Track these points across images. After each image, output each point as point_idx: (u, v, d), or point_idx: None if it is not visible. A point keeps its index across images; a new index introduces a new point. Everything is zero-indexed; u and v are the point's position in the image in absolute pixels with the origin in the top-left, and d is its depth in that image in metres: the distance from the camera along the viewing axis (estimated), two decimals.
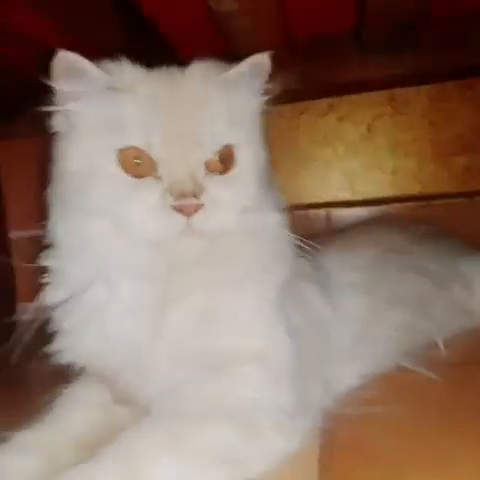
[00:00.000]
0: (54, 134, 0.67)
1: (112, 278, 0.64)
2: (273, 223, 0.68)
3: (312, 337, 0.72)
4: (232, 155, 0.64)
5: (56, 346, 0.67)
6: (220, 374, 0.59)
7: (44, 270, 0.69)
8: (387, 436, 0.61)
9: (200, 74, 0.65)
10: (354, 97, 1.44)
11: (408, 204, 1.43)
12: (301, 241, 0.68)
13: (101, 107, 0.62)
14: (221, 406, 0.56)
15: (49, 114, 0.66)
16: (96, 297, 0.64)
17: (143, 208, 0.60)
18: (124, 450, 0.51)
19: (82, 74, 0.61)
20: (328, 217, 1.53)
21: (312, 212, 1.53)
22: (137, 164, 0.61)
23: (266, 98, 0.69)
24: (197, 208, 0.59)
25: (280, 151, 1.48)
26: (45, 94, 0.66)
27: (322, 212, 1.53)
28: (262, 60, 0.67)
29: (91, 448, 0.57)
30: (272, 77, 0.68)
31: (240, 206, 0.63)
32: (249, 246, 0.66)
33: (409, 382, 0.74)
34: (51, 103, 0.64)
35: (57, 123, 0.65)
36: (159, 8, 0.85)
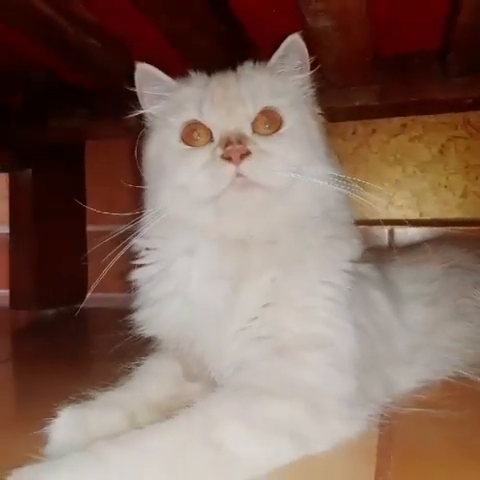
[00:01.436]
0: (141, 135, 0.78)
1: (192, 245, 0.71)
2: (332, 195, 0.71)
3: (375, 338, 0.75)
4: (278, 119, 0.71)
5: (141, 316, 0.75)
6: (287, 357, 0.63)
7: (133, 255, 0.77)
8: (443, 436, 0.64)
9: (250, 65, 0.77)
10: (428, 118, 1.46)
11: (474, 227, 1.43)
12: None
13: (170, 102, 0.75)
14: (289, 386, 0.60)
15: (138, 118, 0.79)
16: (181, 267, 0.72)
17: (197, 166, 0.68)
18: (199, 414, 0.56)
19: (156, 80, 0.76)
20: (391, 235, 1.55)
21: (376, 228, 1.55)
22: (197, 138, 0.70)
23: (307, 75, 0.76)
24: (243, 154, 0.65)
25: (350, 166, 1.52)
26: (129, 98, 0.76)
27: (386, 229, 1.55)
28: (294, 39, 0.74)
29: (164, 413, 0.63)
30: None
31: (290, 160, 0.68)
32: (310, 220, 0.70)
33: (467, 391, 0.76)
34: (138, 107, 0.78)
35: (145, 124, 0.78)
36: (257, 21, 0.92)
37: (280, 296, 0.68)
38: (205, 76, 0.78)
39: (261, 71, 0.75)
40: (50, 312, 1.60)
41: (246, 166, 0.65)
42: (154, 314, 0.74)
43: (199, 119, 0.70)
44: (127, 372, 0.74)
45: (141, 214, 0.76)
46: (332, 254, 0.71)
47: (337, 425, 0.60)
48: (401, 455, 0.59)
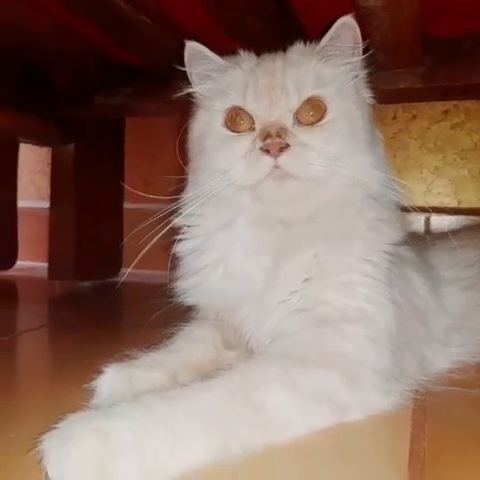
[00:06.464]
0: (189, 113, 0.80)
1: (233, 224, 0.74)
2: (374, 181, 0.71)
3: (411, 317, 0.76)
4: (322, 108, 0.71)
5: (184, 285, 0.78)
6: (326, 328, 0.65)
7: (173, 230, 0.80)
8: (477, 412, 0.65)
9: (299, 48, 0.76)
10: (471, 104, 1.44)
11: None
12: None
13: (216, 83, 0.76)
14: (327, 355, 0.62)
15: (186, 95, 0.80)
16: (221, 242, 0.75)
17: (237, 155, 0.69)
18: (241, 375, 0.58)
19: (204, 58, 0.76)
20: (428, 223, 1.53)
21: (411, 216, 1.53)
22: (240, 123, 0.72)
23: (359, 59, 0.74)
24: (282, 148, 0.66)
25: (389, 152, 1.50)
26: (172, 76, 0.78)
27: (422, 217, 1.54)
28: (346, 21, 0.72)
29: (204, 375, 0.65)
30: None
31: (328, 153, 0.68)
32: (352, 201, 0.71)
33: None
34: (187, 86, 0.79)
35: (193, 102, 0.79)
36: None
37: (321, 271, 0.69)
38: (253, 57, 0.78)
39: (309, 56, 0.73)
40: (86, 284, 1.65)
41: (284, 159, 0.66)
42: (197, 283, 0.77)
43: (242, 106, 0.71)
44: (168, 337, 0.76)
45: (183, 190, 0.79)
46: (376, 236, 0.72)
47: (372, 395, 0.62)
48: (435, 427, 0.60)
